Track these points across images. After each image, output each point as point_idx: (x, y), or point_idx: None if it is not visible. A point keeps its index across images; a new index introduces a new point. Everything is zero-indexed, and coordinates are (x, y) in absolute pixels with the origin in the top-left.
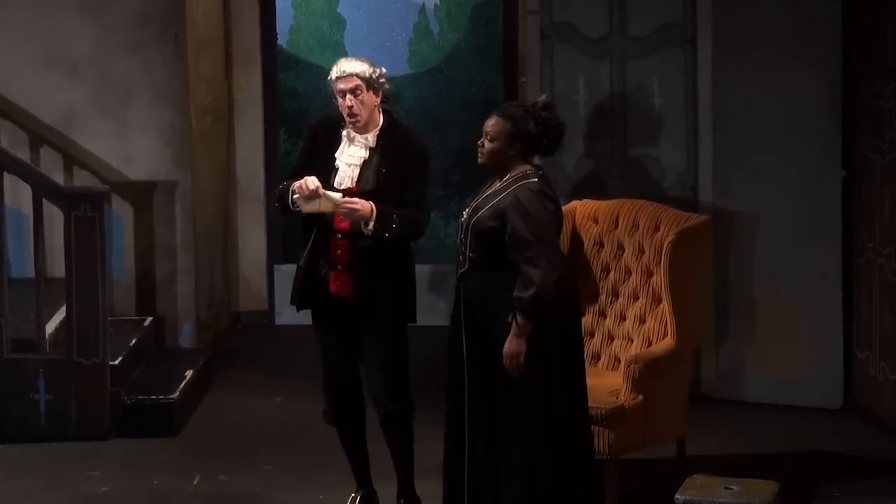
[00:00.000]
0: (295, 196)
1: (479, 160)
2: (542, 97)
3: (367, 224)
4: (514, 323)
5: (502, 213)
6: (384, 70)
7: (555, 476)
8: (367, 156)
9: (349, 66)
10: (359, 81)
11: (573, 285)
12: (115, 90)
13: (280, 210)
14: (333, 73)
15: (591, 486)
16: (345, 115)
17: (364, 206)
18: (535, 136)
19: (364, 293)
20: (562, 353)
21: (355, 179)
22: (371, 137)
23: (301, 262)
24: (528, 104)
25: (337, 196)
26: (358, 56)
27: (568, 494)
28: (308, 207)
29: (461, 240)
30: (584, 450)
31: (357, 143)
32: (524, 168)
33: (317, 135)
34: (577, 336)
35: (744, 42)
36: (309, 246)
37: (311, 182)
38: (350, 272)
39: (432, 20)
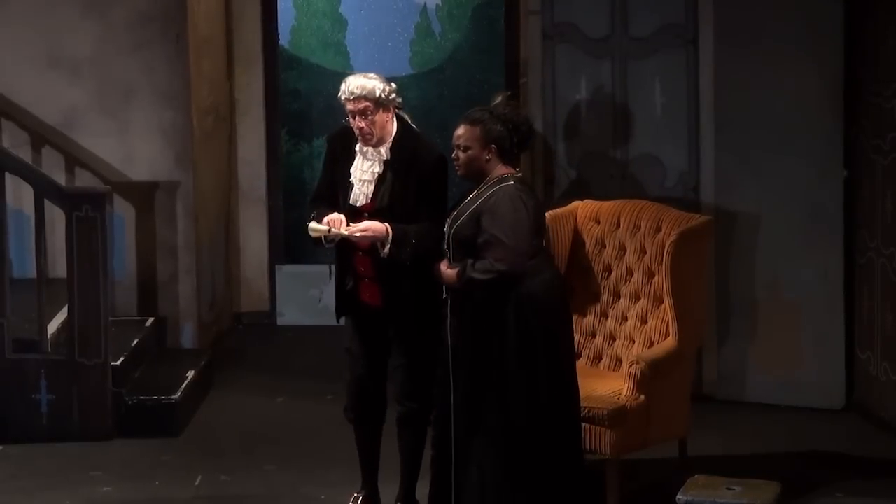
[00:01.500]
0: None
1: (459, 172)
2: (500, 97)
3: (383, 247)
4: (459, 269)
5: (479, 218)
6: (393, 86)
7: (538, 481)
8: (381, 170)
9: (358, 88)
10: (367, 103)
11: (563, 290)
12: (116, 90)
13: (314, 241)
14: (342, 94)
15: (580, 490)
16: (357, 135)
17: (378, 228)
18: (505, 135)
19: (393, 301)
20: (549, 358)
21: (370, 196)
22: (384, 150)
23: (334, 275)
24: (489, 106)
25: (345, 230)
26: (366, 73)
27: (553, 498)
28: (318, 233)
29: (445, 249)
30: (572, 454)
31: (370, 158)
32: (502, 172)
33: (335, 149)
34: (565, 341)
35: (745, 42)
36: (336, 260)
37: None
38: (377, 283)
39: (434, 20)
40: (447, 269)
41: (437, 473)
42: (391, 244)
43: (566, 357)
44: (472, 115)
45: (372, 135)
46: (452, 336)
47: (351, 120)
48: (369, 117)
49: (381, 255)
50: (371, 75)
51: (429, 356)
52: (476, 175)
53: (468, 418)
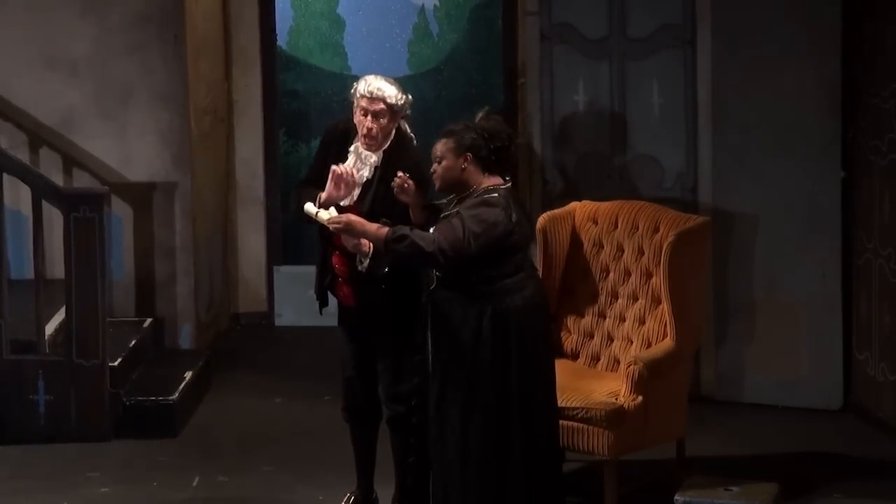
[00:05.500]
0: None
1: (437, 186)
2: (480, 113)
3: (362, 261)
4: (392, 229)
5: None
6: (410, 98)
7: (502, 494)
8: (370, 175)
9: (378, 90)
10: (384, 106)
11: (545, 308)
12: (114, 91)
13: (302, 218)
14: (361, 89)
15: None
16: (360, 132)
17: (364, 242)
18: (480, 143)
19: (366, 304)
20: (522, 376)
21: (355, 198)
22: (377, 157)
23: (317, 266)
24: (468, 121)
25: (327, 214)
26: (387, 77)
27: None
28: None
29: None
30: (543, 470)
31: (363, 161)
32: (488, 183)
33: (331, 142)
34: (542, 359)
35: (743, 43)
36: (320, 253)
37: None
38: (350, 285)
39: (432, 21)
40: (375, 225)
41: (414, 480)
42: (371, 259)
43: (541, 374)
44: (446, 129)
45: (376, 138)
46: (433, 349)
47: (360, 117)
48: (380, 120)
49: (360, 268)
50: (391, 80)
51: (410, 358)
52: (454, 186)
53: (439, 429)
